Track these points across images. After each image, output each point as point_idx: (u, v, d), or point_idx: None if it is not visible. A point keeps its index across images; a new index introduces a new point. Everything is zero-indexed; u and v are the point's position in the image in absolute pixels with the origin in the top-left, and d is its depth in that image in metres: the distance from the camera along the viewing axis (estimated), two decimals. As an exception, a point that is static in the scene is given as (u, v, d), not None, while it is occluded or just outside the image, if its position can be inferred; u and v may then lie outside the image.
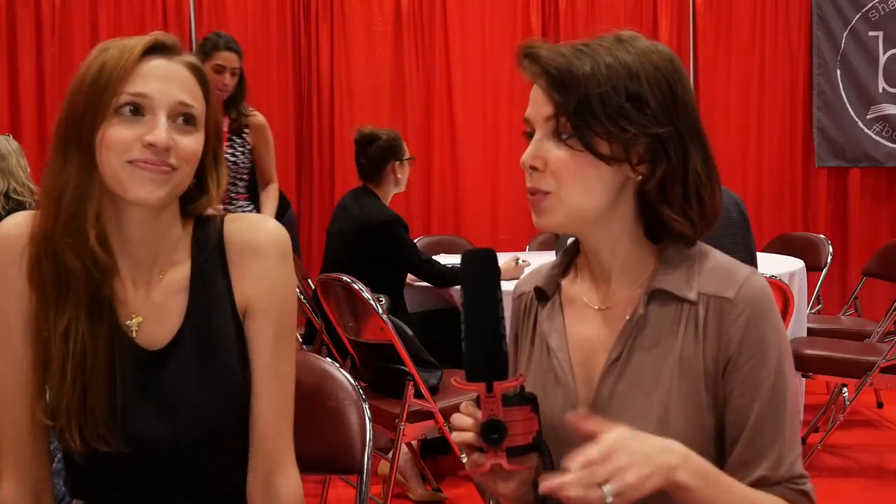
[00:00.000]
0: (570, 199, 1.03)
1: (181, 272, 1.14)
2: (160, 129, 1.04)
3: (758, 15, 5.50)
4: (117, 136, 1.04)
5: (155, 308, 1.13)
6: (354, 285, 2.61)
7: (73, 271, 1.05)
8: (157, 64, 1.07)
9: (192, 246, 1.15)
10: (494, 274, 0.96)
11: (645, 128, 0.99)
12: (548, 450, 0.99)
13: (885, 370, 3.06)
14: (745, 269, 1.05)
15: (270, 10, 5.39)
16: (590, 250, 1.11)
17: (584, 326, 1.10)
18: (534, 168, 1.04)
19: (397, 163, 3.30)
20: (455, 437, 0.99)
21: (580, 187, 1.02)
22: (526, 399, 0.97)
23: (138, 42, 1.07)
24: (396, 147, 3.29)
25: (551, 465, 0.98)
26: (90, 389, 1.06)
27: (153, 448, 1.10)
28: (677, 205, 1.03)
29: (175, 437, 1.10)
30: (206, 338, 1.12)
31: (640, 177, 1.02)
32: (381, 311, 2.55)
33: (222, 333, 1.13)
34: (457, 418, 0.99)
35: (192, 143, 1.09)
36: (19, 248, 1.09)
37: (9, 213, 3.07)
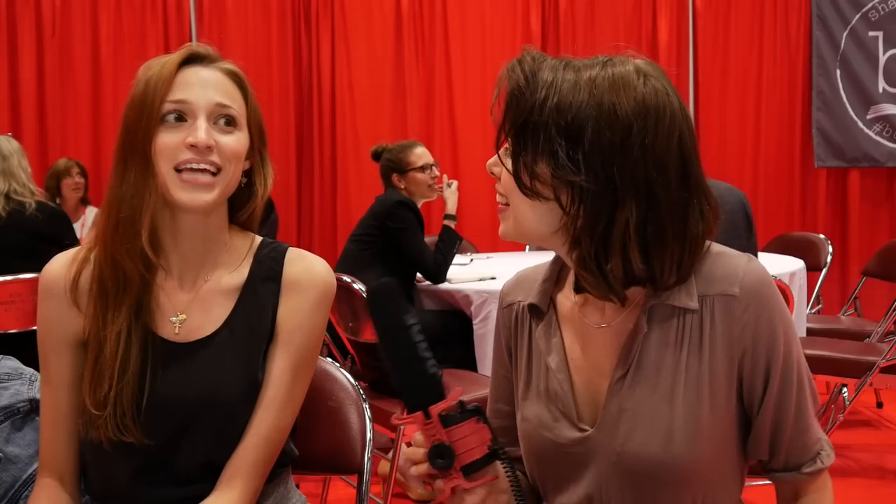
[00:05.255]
0: (517, 215, 1.02)
1: (235, 279, 1.23)
2: (200, 131, 1.13)
3: (757, 15, 5.51)
4: (164, 143, 1.13)
5: (200, 304, 1.21)
6: (354, 285, 2.61)
7: (129, 275, 1.16)
8: (193, 71, 1.17)
9: (253, 261, 1.24)
10: (399, 303, 0.96)
11: (565, 173, 0.94)
12: (506, 453, 0.96)
13: (884, 370, 3.06)
14: (740, 258, 1.02)
15: (271, 10, 5.39)
16: (568, 266, 1.08)
17: (584, 345, 1.07)
18: (493, 174, 1.04)
19: (396, 174, 3.47)
20: (412, 471, 0.97)
21: (521, 207, 1.00)
22: (469, 412, 0.94)
23: (174, 55, 1.17)
24: (398, 161, 3.47)
25: (512, 468, 0.97)
26: (125, 383, 1.14)
27: (174, 436, 1.15)
28: (588, 259, 0.97)
29: (192, 425, 1.15)
30: (240, 341, 1.19)
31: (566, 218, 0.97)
32: (381, 311, 2.54)
33: (255, 344, 1.20)
34: (409, 452, 0.97)
35: (233, 141, 1.17)
36: (62, 284, 1.20)
37: (9, 213, 3.07)
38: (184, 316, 1.20)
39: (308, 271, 1.24)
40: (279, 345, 1.21)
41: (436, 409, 0.93)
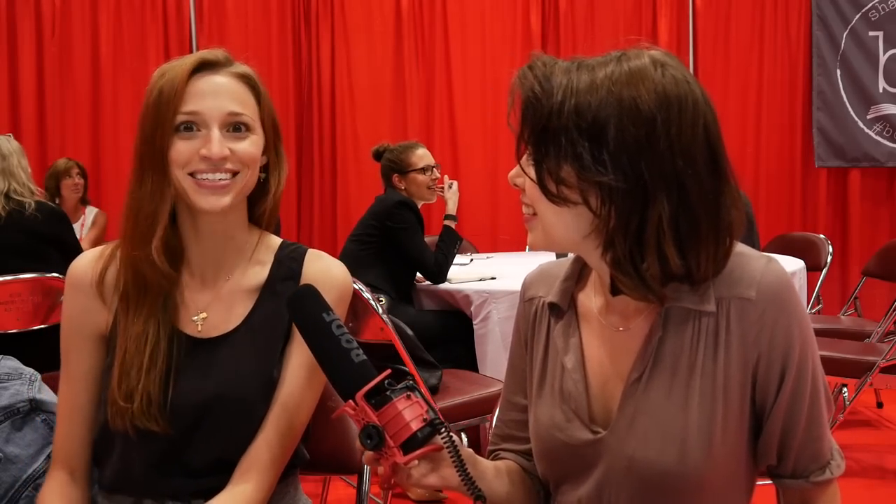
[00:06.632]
0: (545, 225, 1.00)
1: (256, 278, 1.26)
2: (213, 143, 1.15)
3: (757, 15, 5.51)
4: (178, 151, 1.16)
5: (221, 303, 1.24)
6: (354, 285, 2.61)
7: (148, 278, 1.19)
8: (204, 80, 1.17)
9: (273, 262, 1.27)
10: (314, 304, 1.01)
11: (592, 174, 0.92)
12: (444, 423, 0.95)
13: (884, 370, 3.06)
14: (759, 259, 1.00)
15: (270, 10, 5.39)
16: (591, 268, 1.08)
17: (603, 347, 1.06)
18: (516, 186, 1.02)
19: (397, 175, 3.47)
20: (364, 460, 0.98)
21: (548, 215, 0.99)
22: (400, 390, 0.95)
23: (186, 63, 1.17)
24: (399, 161, 3.47)
25: (451, 440, 0.96)
26: (153, 377, 1.16)
27: (190, 430, 1.17)
28: (624, 259, 0.95)
29: (209, 420, 1.17)
30: (258, 340, 1.22)
31: (598, 220, 0.96)
32: (381, 310, 2.55)
33: (273, 342, 1.22)
34: (358, 443, 0.97)
35: (248, 146, 1.19)
36: (89, 279, 1.24)
37: (9, 213, 3.06)
38: (205, 315, 1.22)
39: (326, 272, 1.26)
40: (296, 343, 1.21)
41: (360, 393, 0.94)
